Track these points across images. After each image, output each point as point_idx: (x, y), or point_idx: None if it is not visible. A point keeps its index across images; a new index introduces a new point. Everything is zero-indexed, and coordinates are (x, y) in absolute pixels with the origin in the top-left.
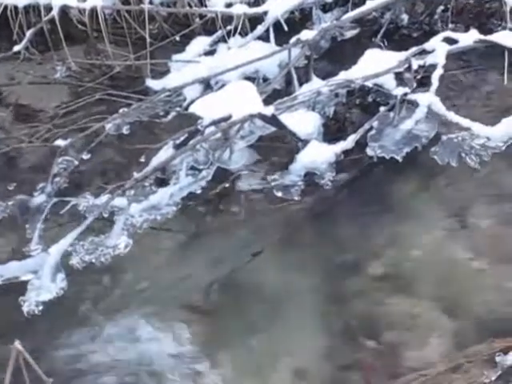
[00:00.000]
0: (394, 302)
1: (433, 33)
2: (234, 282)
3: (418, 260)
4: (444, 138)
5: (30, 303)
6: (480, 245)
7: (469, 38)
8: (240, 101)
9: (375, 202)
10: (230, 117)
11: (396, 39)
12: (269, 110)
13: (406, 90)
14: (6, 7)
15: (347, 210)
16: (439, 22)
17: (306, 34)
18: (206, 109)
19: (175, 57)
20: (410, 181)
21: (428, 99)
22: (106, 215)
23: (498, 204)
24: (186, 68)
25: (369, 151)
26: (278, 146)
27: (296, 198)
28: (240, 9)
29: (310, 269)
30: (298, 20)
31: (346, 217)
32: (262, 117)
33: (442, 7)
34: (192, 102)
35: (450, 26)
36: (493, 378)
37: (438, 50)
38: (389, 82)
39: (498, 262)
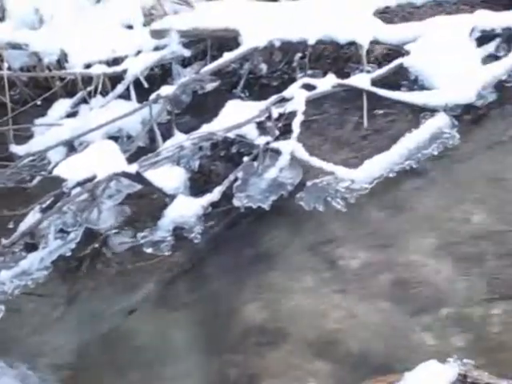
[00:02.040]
0: (272, 351)
1: (292, 80)
2: (110, 342)
3: (291, 308)
4: (309, 183)
5: None
6: (350, 285)
7: (327, 82)
8: (104, 160)
9: (246, 253)
10: (94, 177)
11: (256, 89)
12: (133, 168)
13: (269, 138)
14: None
15: (218, 262)
16: (298, 69)
17: (166, 90)
18: (71, 170)
19: (38, 121)
20: (279, 228)
21: (290, 146)
22: None
23: (365, 244)
24: (49, 131)
25: (236, 202)
26: (146, 203)
27: (166, 254)
28: (99, 69)
29: (185, 324)
30: (159, 76)
31: (218, 269)
32: (127, 175)
33: (299, 54)
34: (56, 164)
35: (309, 72)
36: None
37: (297, 96)
38: (251, 131)
39: (367, 299)
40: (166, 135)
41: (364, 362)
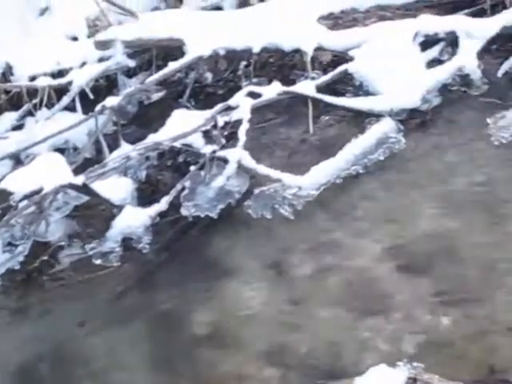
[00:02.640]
0: (222, 360)
1: (238, 88)
2: (60, 354)
3: (242, 316)
4: (256, 191)
5: None
6: (300, 291)
7: (272, 90)
8: (50, 173)
9: (195, 262)
10: (41, 189)
11: (202, 98)
12: (79, 180)
13: (215, 147)
14: None
15: (168, 272)
16: (243, 78)
17: (112, 101)
18: (18, 183)
19: None
20: (228, 237)
21: (237, 154)
22: None
23: (314, 251)
24: None
25: (183, 211)
26: (94, 214)
27: (115, 265)
28: (44, 81)
29: (136, 336)
30: (104, 87)
31: (168, 279)
32: (74, 187)
33: (244, 62)
34: (3, 178)
35: (254, 80)
36: None
37: (242, 105)
38: (197, 140)
39: (317, 305)
40: (113, 146)
41: (315, 368)
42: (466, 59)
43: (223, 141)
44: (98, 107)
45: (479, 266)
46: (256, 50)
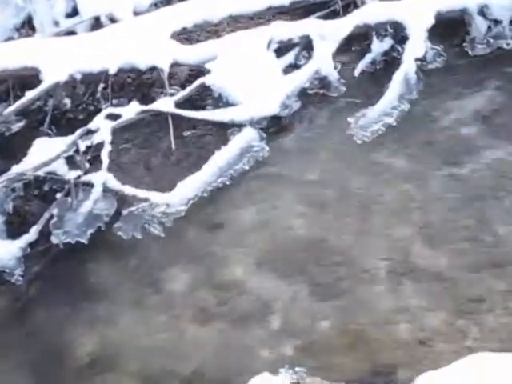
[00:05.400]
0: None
1: (98, 111)
2: None
3: (122, 339)
4: (125, 212)
5: None
6: (178, 307)
7: (131, 110)
8: None
9: (71, 289)
10: None
11: (63, 124)
12: None
13: (79, 172)
14: None
15: (45, 301)
16: (102, 100)
17: None
18: None
19: None
20: (101, 260)
21: (102, 178)
22: None
23: (187, 266)
24: None
25: (54, 239)
26: None
27: None
28: None
29: (18, 367)
30: None
31: (46, 308)
32: None
33: (102, 85)
34: None
35: (114, 101)
36: None
37: (102, 127)
38: (61, 167)
39: (196, 319)
40: None
41: (200, 382)
42: (322, 62)
43: (87, 165)
44: None
45: (351, 266)
46: (112, 70)
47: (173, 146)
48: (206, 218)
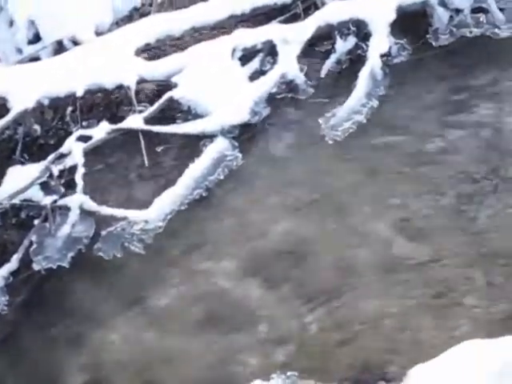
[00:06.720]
0: None
1: (69, 135)
2: None
3: (112, 359)
4: (104, 233)
5: None
6: (165, 323)
7: (101, 130)
8: None
9: (57, 314)
10: None
11: (35, 151)
12: None
13: (54, 197)
14: None
15: (32, 329)
16: (72, 123)
17: None
18: None
19: None
20: (85, 282)
21: (78, 200)
22: None
23: (171, 280)
24: None
25: (35, 266)
26: None
27: None
28: None
29: None
30: None
31: (32, 336)
32: None
33: (70, 108)
34: None
35: (84, 123)
36: None
37: (74, 150)
38: (36, 194)
39: (184, 332)
40: None
41: None
42: (287, 65)
43: (62, 189)
44: None
45: (333, 267)
46: (80, 93)
47: (146, 163)
48: (185, 231)
